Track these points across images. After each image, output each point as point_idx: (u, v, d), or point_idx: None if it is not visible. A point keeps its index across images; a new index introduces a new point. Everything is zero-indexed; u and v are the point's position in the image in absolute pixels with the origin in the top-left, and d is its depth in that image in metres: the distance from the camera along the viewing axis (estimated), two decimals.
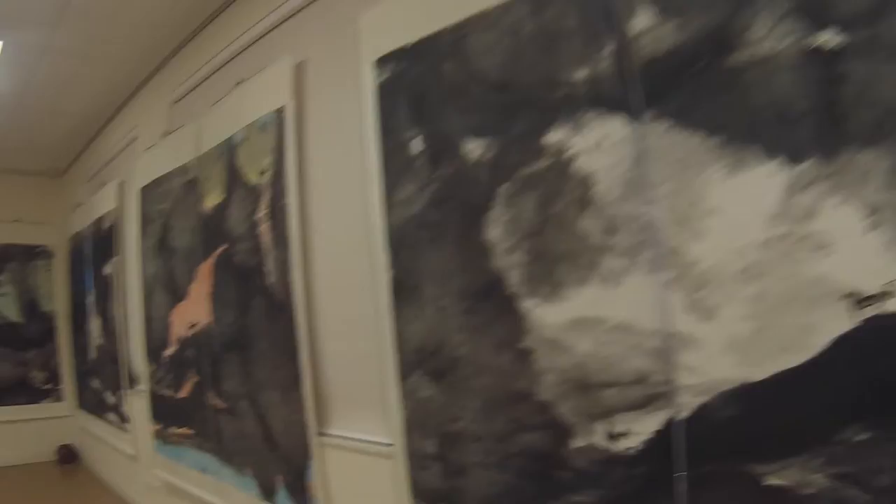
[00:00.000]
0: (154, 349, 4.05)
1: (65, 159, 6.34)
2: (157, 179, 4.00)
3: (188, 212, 3.57)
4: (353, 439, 2.49)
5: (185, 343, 3.63)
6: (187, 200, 3.59)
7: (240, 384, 3.10)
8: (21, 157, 6.24)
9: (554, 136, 1.64)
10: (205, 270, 3.38)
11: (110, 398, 5.08)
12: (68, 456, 6.49)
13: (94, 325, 5.36)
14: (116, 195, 4.81)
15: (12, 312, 6.54)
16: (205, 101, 3.61)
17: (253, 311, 2.96)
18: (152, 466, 4.23)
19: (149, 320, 4.12)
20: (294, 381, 2.70)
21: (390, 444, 2.20)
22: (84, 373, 5.86)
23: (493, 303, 1.76)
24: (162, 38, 3.88)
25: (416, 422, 2.06)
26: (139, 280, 4.23)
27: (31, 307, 6.64)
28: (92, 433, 5.78)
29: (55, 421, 6.60)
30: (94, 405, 5.55)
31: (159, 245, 3.93)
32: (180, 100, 3.96)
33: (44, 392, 6.64)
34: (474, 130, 1.86)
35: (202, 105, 3.62)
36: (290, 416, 2.74)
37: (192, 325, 3.53)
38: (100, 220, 5.17)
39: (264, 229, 2.89)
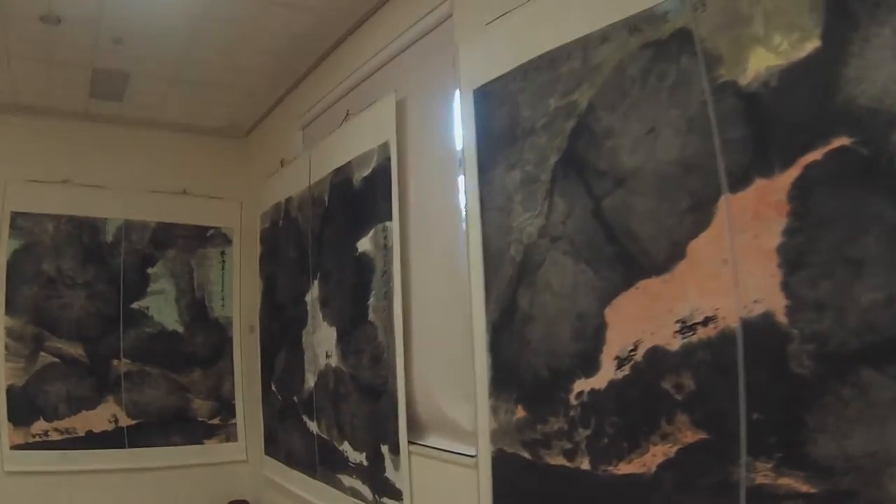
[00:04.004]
0: (519, 380, 2.15)
1: (255, 108, 4.57)
2: (528, 64, 2.16)
3: (666, 96, 1.73)
4: None
5: (656, 362, 1.74)
6: (659, 76, 1.75)
7: None
8: (193, 107, 4.51)
9: None
10: (749, 206, 1.53)
11: (355, 455, 3.15)
12: None
13: (322, 337, 3.46)
14: (389, 122, 2.92)
15: (169, 318, 4.76)
16: None
17: None
18: None
19: (502, 326, 2.18)
20: None
21: None
22: (287, 407, 3.97)
23: None
24: None
25: None
26: (478, 250, 2.30)
27: (196, 311, 4.84)
28: (296, 496, 3.86)
29: (225, 468, 4.76)
30: (309, 457, 3.65)
31: (556, 176, 2.01)
32: None
33: (209, 429, 4.81)
34: None
35: None
36: None
37: (695, 324, 1.65)
38: (343, 170, 3.30)
39: None
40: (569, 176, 2.01)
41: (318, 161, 3.61)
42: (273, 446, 4.26)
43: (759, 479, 1.52)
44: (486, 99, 2.35)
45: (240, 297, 4.86)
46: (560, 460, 2.01)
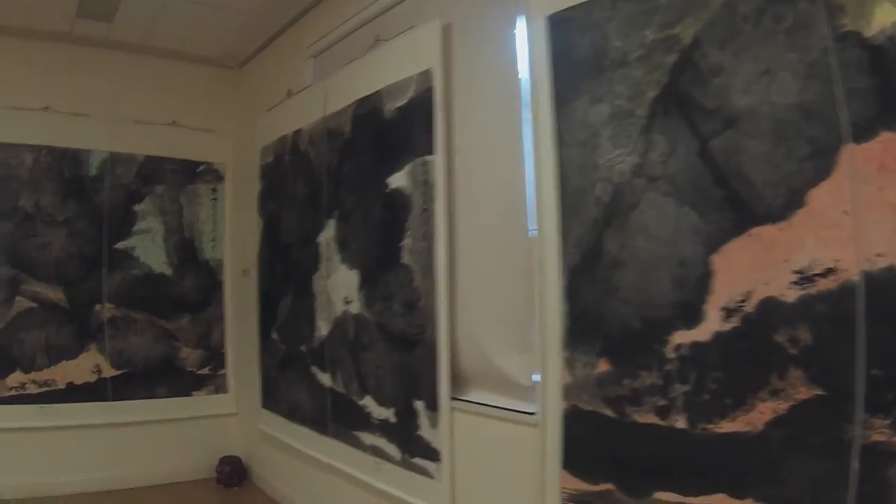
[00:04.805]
0: (603, 331, 1.97)
1: (254, 36, 4.22)
2: None
3: (783, 39, 1.62)
4: None
5: (769, 314, 1.62)
6: (774, 17, 1.63)
7: None
8: (186, 32, 4.15)
9: None
10: (874, 157, 1.47)
11: (380, 411, 2.94)
12: (234, 475, 4.39)
13: (340, 282, 3.22)
14: (433, 48, 2.65)
15: (156, 259, 4.44)
16: None
17: None
18: None
19: (583, 271, 1.99)
20: None
21: None
22: (291, 357, 3.73)
23: None
24: None
25: None
26: (551, 189, 2.08)
27: (185, 253, 4.53)
28: (299, 453, 3.65)
29: (215, 422, 4.51)
30: (319, 412, 3.44)
31: (654, 111, 1.84)
32: None
33: (198, 379, 4.55)
34: None
35: None
36: None
37: (815, 275, 1.56)
38: (370, 100, 3.02)
39: None
40: (670, 113, 1.82)
41: (337, 91, 3.31)
42: (272, 399, 4.02)
43: (875, 437, 1.46)
44: (564, 26, 2.11)
45: (232, 238, 4.55)
46: (651, 418, 1.84)
